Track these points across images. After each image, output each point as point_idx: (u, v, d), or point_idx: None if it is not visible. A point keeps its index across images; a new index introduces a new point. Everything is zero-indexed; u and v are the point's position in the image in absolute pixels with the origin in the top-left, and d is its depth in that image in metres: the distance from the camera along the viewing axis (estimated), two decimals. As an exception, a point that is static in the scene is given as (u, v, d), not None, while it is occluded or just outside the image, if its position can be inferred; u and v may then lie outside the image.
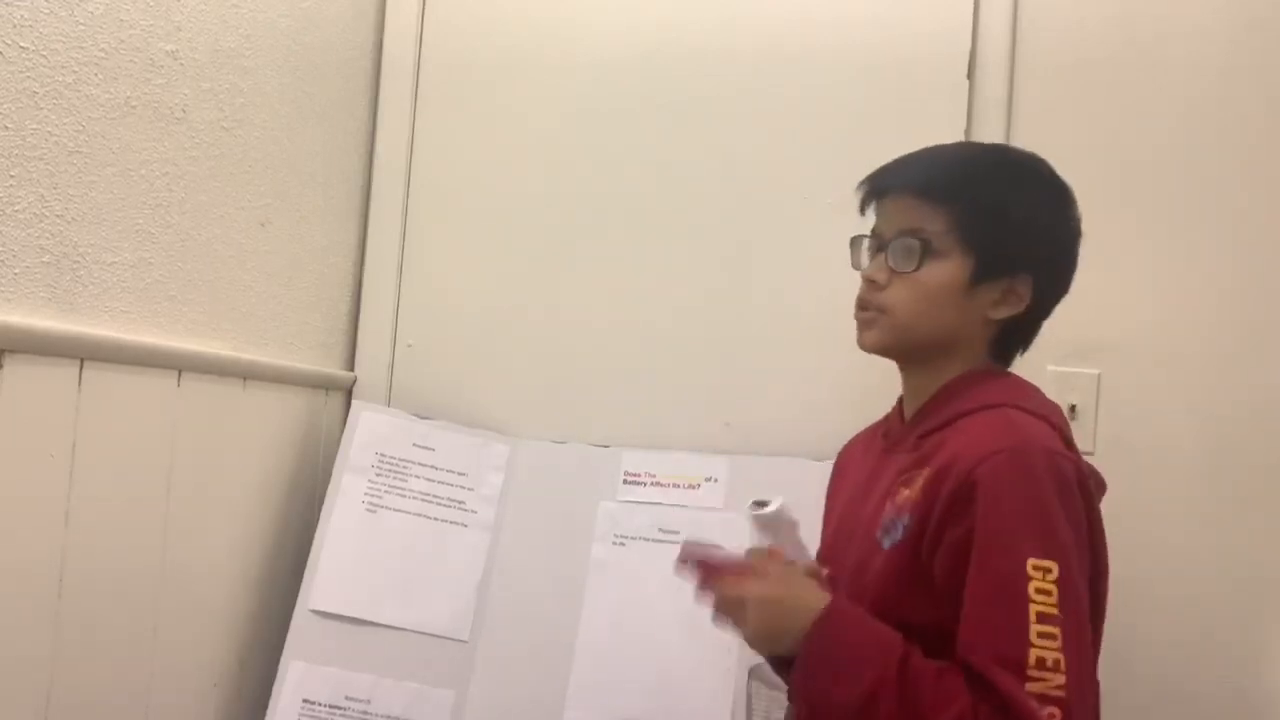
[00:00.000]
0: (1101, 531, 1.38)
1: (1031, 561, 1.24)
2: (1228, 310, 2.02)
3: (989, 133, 2.08)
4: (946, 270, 1.40)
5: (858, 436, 1.67)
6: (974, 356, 1.46)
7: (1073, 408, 2.02)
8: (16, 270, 1.46)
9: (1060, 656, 1.22)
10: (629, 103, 2.30)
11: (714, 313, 2.20)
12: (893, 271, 1.42)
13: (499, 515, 2.18)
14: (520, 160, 2.34)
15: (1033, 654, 1.21)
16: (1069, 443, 1.39)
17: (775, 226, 2.18)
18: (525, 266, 2.32)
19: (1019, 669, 1.21)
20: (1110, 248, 2.05)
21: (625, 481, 2.15)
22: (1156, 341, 2.04)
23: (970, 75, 2.12)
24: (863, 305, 1.46)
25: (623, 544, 2.09)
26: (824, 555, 1.55)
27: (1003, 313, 1.43)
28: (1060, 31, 2.11)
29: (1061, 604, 1.24)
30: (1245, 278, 2.01)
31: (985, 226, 1.40)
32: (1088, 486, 1.35)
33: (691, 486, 2.09)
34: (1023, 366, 1.98)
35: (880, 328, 1.45)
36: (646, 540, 2.08)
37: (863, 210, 1.49)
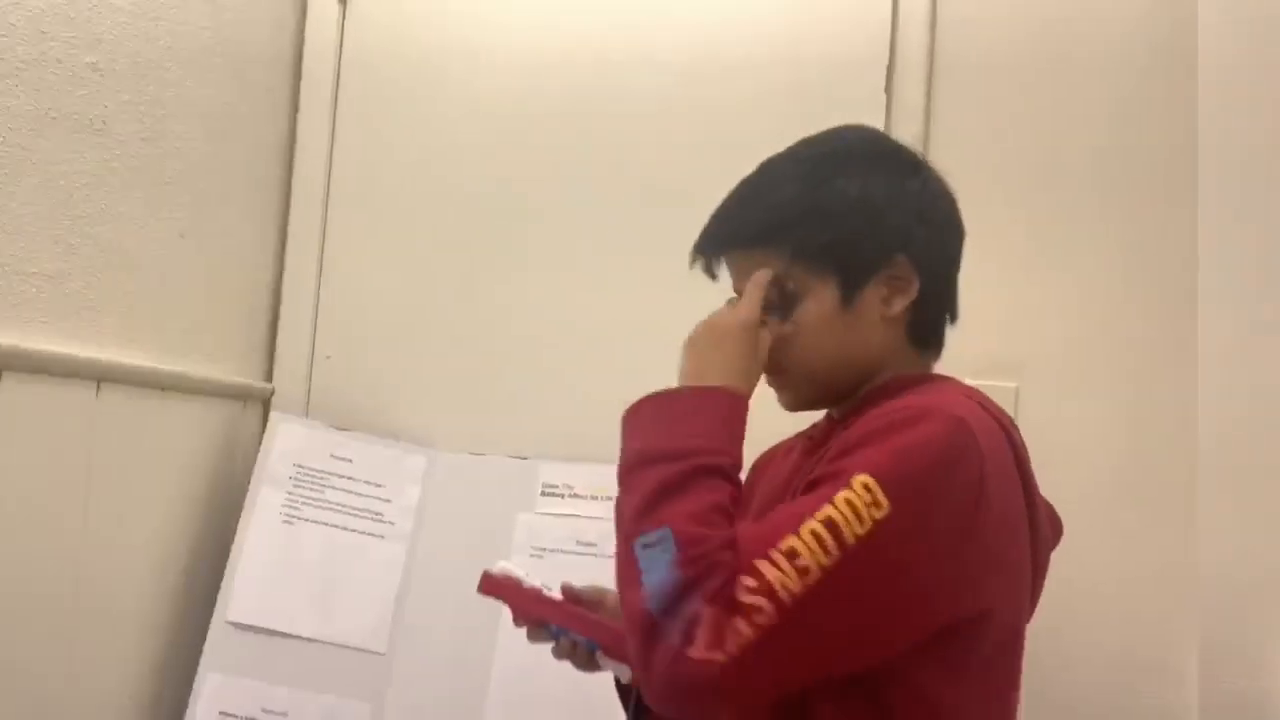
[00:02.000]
0: (1011, 541, 1.23)
1: (861, 477, 1.09)
2: (1145, 323, 2.03)
3: (907, 140, 2.10)
4: (816, 304, 1.28)
5: (778, 445, 1.53)
6: (899, 360, 1.33)
7: (987, 422, 2.05)
8: (-65, 281, 1.45)
9: (816, 575, 1.05)
10: (546, 110, 2.31)
11: (633, 322, 2.20)
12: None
13: (416, 527, 2.18)
14: (440, 170, 2.35)
15: (789, 541, 1.06)
16: (1010, 437, 1.26)
17: (694, 235, 2.20)
18: (444, 278, 2.33)
19: (763, 543, 1.07)
20: (1026, 259, 2.08)
21: (543, 493, 2.16)
22: (1073, 355, 2.05)
23: (888, 85, 2.15)
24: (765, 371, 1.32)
25: (541, 556, 2.10)
26: None
27: (898, 305, 1.29)
28: (977, 38, 2.13)
29: (866, 545, 1.06)
30: (1162, 289, 2.03)
31: (824, 239, 1.26)
32: (1003, 471, 1.21)
33: (610, 499, 2.10)
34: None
35: (791, 389, 1.34)
36: (565, 553, 2.09)
37: (711, 277, 1.38)
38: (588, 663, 1.41)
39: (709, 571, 1.07)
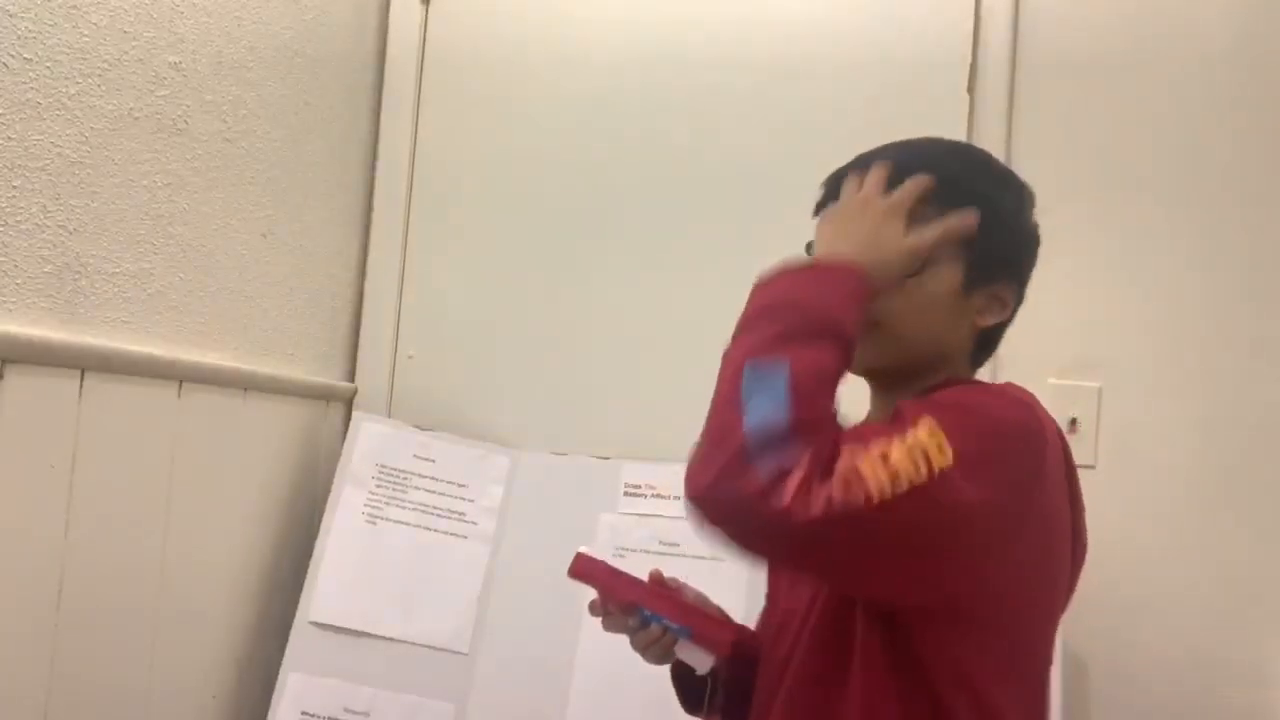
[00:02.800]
0: (1059, 536, 1.25)
1: (926, 420, 1.11)
2: (1230, 322, 2.01)
3: (990, 141, 2.08)
4: (943, 277, 1.29)
5: None
6: (959, 366, 1.35)
7: (1074, 421, 2.02)
8: (18, 280, 1.46)
9: (904, 487, 1.06)
10: (632, 109, 2.30)
11: (718, 322, 2.18)
12: None
13: (499, 527, 2.17)
14: (524, 170, 2.34)
15: (884, 448, 1.08)
16: (1061, 440, 1.27)
17: (778, 235, 2.16)
18: (527, 277, 2.32)
19: (860, 441, 1.09)
20: (1110, 259, 2.06)
21: (626, 493, 2.15)
22: (1158, 354, 2.04)
23: (971, 86, 2.12)
24: None
25: (623, 556, 2.08)
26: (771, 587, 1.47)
27: (989, 320, 1.32)
28: (1060, 38, 2.11)
29: (941, 481, 1.07)
30: (1248, 288, 2.00)
31: (978, 231, 1.28)
32: (1069, 460, 1.25)
33: (678, 497, 2.09)
34: (1024, 379, 1.97)
35: (874, 343, 1.28)
36: (647, 553, 2.07)
37: (817, 212, 1.40)
38: (664, 654, 1.40)
39: (817, 429, 1.09)
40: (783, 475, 1.05)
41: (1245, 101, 2.03)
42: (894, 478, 1.06)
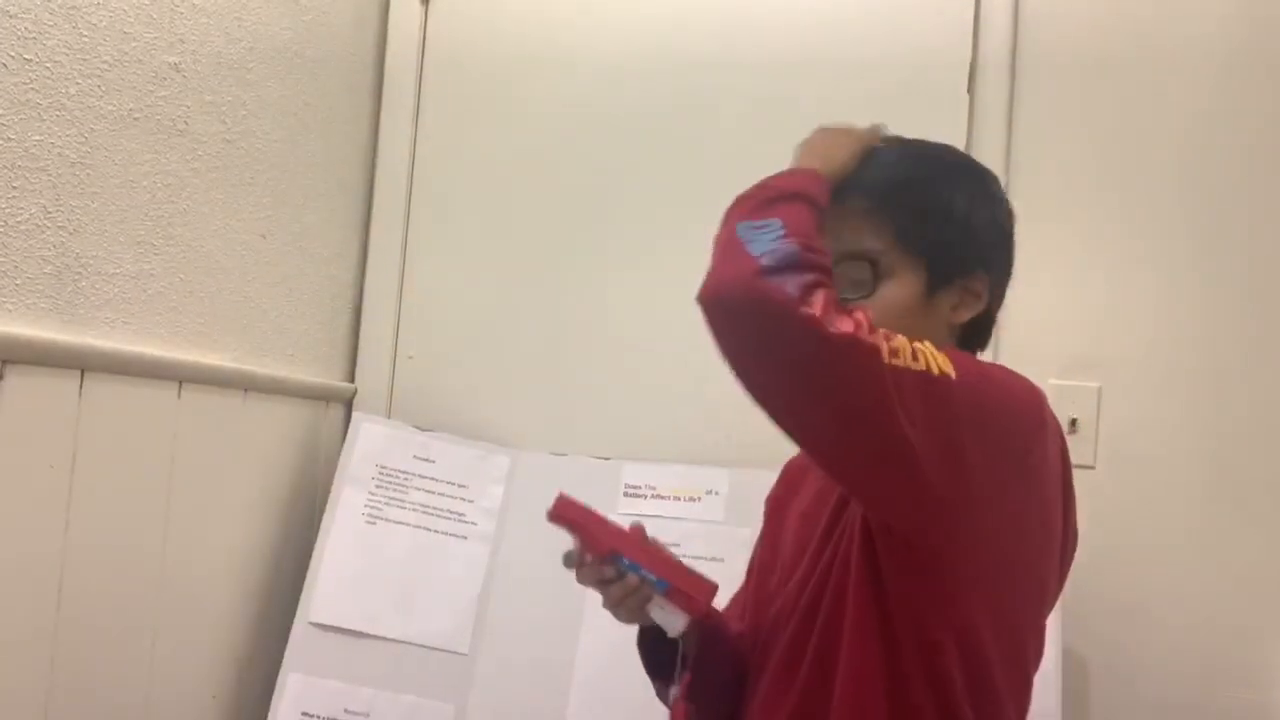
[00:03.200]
0: (1051, 504, 1.28)
1: (942, 355, 1.15)
2: (1229, 322, 2.01)
3: (990, 140, 2.08)
4: (900, 287, 1.32)
5: (794, 460, 1.56)
6: None
7: (1073, 421, 2.02)
8: (18, 281, 1.46)
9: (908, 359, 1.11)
10: (632, 109, 2.30)
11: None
12: (847, 300, 1.28)
13: (499, 528, 2.17)
14: (523, 170, 2.34)
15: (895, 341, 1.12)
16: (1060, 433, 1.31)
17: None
18: (527, 277, 2.32)
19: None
20: (1110, 259, 2.06)
21: (626, 494, 2.14)
22: (1157, 354, 2.03)
23: (971, 86, 2.12)
24: None
25: (623, 556, 2.08)
26: (764, 565, 1.48)
27: (964, 315, 1.35)
28: (1060, 37, 2.11)
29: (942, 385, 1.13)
30: (1247, 288, 2.00)
31: (928, 231, 1.32)
32: (1064, 450, 1.29)
33: (692, 499, 2.08)
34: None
35: None
36: (647, 553, 2.08)
37: None
38: (638, 611, 1.37)
39: (823, 266, 1.13)
40: (811, 287, 1.09)
41: (1245, 101, 2.03)
42: (911, 354, 1.11)
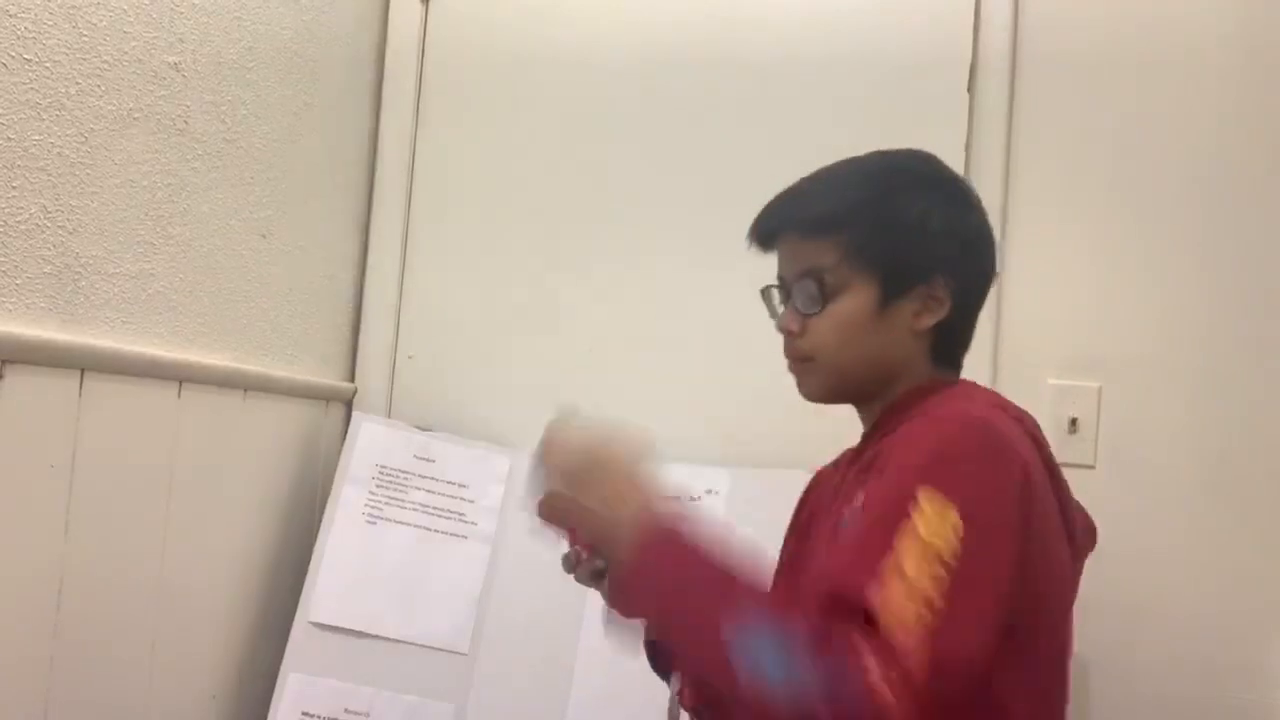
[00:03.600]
0: (1055, 538, 1.26)
1: (924, 491, 1.11)
2: (1229, 321, 2.01)
3: (990, 140, 2.08)
4: (853, 301, 1.34)
5: (824, 468, 1.57)
6: (918, 373, 1.38)
7: (1073, 421, 2.02)
8: (18, 281, 1.46)
9: (940, 602, 1.05)
10: (632, 109, 2.30)
11: (716, 323, 2.19)
12: (805, 316, 1.37)
13: (499, 528, 2.17)
14: (523, 171, 2.34)
15: (892, 560, 1.07)
16: (1035, 439, 1.29)
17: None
18: (527, 278, 2.32)
19: (871, 573, 1.07)
20: (1110, 259, 2.06)
21: (625, 494, 2.14)
22: (1157, 354, 2.03)
23: (971, 86, 2.12)
24: (790, 357, 1.40)
25: (623, 556, 2.08)
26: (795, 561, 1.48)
27: (927, 321, 1.36)
28: (1060, 38, 2.11)
29: (963, 554, 1.08)
30: (1247, 288, 2.00)
31: (877, 245, 1.34)
32: (1038, 468, 1.24)
33: (692, 499, 2.08)
34: (1023, 378, 1.98)
35: (814, 375, 1.39)
36: (647, 553, 2.07)
37: (765, 251, 1.45)
38: (594, 576, 1.35)
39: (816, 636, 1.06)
40: (860, 685, 1.01)
41: (1245, 101, 2.03)
42: (927, 601, 1.05)
